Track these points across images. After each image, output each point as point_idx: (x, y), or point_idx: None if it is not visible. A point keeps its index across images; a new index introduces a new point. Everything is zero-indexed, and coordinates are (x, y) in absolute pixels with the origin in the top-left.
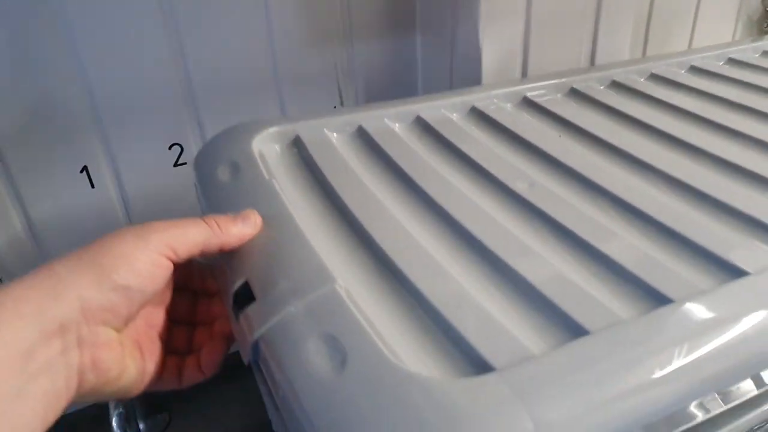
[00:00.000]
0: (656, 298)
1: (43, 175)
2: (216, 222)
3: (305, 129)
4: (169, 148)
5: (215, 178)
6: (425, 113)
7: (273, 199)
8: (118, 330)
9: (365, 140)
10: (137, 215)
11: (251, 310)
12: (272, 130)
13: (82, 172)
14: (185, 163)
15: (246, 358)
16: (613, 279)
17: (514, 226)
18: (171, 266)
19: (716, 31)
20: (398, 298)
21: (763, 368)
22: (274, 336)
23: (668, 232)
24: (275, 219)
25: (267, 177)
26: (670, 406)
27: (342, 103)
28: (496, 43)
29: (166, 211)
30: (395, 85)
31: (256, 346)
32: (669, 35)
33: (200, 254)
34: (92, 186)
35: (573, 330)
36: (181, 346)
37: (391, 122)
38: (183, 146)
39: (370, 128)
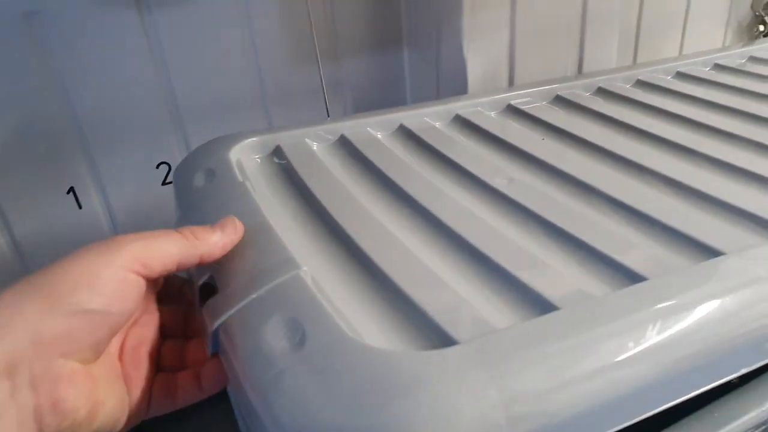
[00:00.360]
0: (629, 277)
1: (29, 197)
2: (192, 232)
3: (286, 138)
4: (157, 167)
5: (190, 185)
6: (408, 121)
7: (245, 199)
8: (84, 361)
9: (347, 147)
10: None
11: (213, 300)
12: (252, 140)
13: (68, 193)
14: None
15: (209, 349)
16: (586, 259)
17: (489, 216)
18: (142, 282)
19: (706, 37)
20: (365, 282)
21: (741, 350)
22: (234, 324)
23: (643, 217)
24: (246, 216)
25: (240, 179)
26: (643, 384)
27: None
28: (481, 56)
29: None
30: (384, 99)
31: (216, 336)
32: (659, 43)
33: (178, 268)
34: (80, 207)
35: (542, 306)
36: (174, 362)
37: (373, 131)
38: (171, 165)
39: (352, 136)
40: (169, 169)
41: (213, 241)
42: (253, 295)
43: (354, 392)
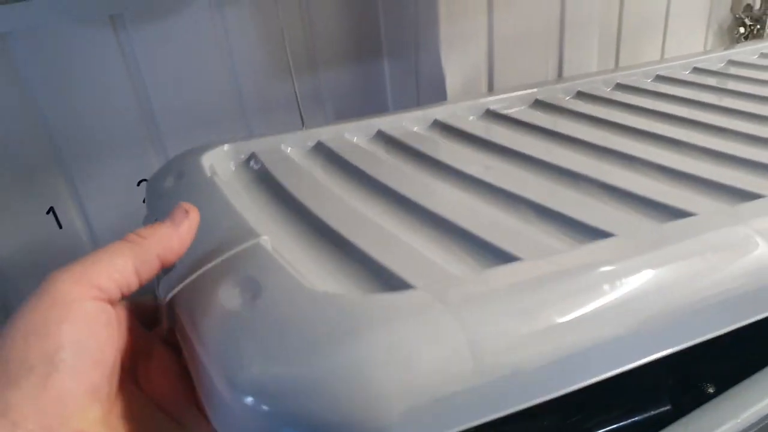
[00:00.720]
0: (595, 234)
1: (8, 218)
2: (137, 234)
3: (260, 145)
4: (138, 184)
5: (159, 190)
6: (386, 127)
7: (211, 191)
8: (95, 412)
9: (324, 152)
10: None
11: (167, 275)
12: (225, 147)
13: (48, 213)
14: None
15: (164, 326)
16: (551, 221)
17: (461, 195)
18: (107, 308)
19: (687, 41)
20: (328, 249)
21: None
22: (189, 293)
23: (612, 188)
24: (212, 204)
25: (209, 175)
26: (611, 336)
27: None
28: (459, 64)
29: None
30: (365, 109)
31: (171, 310)
32: (640, 48)
33: (139, 278)
34: (60, 226)
35: (504, 259)
36: None
37: (351, 136)
38: None
39: (330, 142)
40: None
41: (165, 235)
42: (209, 265)
43: (310, 339)
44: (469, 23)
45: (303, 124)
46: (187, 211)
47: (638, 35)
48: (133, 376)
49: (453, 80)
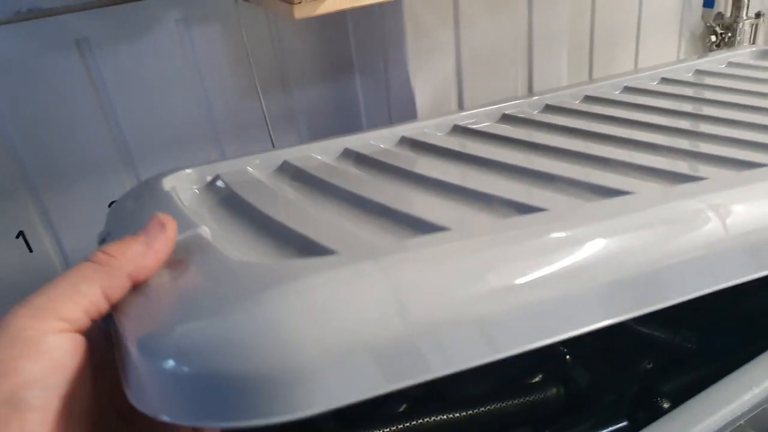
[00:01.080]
0: (528, 210)
1: None
2: (106, 252)
3: (225, 167)
4: (109, 206)
5: (118, 211)
6: (353, 144)
7: (167, 203)
8: None
9: (289, 170)
10: None
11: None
12: (188, 170)
13: (18, 237)
14: None
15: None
16: (485, 204)
17: (415, 193)
18: (77, 338)
19: (660, 50)
20: (276, 246)
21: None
22: None
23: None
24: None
25: (167, 189)
26: (541, 304)
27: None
28: (427, 81)
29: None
30: (339, 127)
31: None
32: (613, 59)
33: (109, 301)
34: (30, 250)
35: (431, 230)
36: None
37: (318, 154)
38: None
39: (296, 161)
40: None
41: (137, 253)
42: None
43: (224, 298)
44: (436, 40)
45: (273, 145)
46: (163, 224)
47: (611, 46)
48: (119, 409)
49: (422, 96)
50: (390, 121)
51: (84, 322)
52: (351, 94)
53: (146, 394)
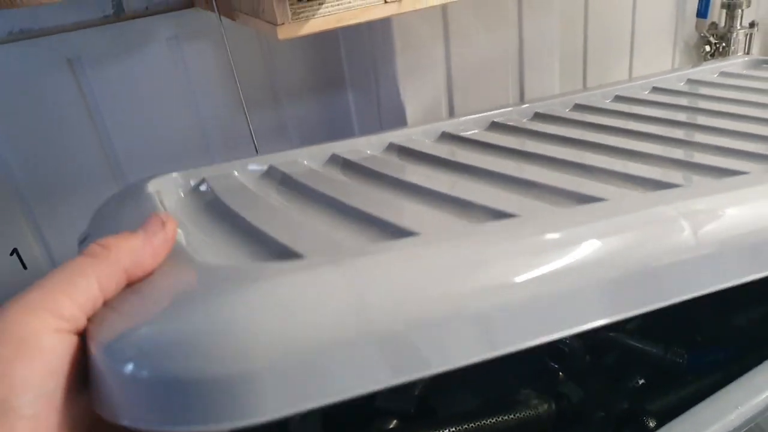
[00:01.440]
0: (501, 216)
1: None
2: (102, 245)
3: (210, 172)
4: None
5: (100, 215)
6: (340, 150)
7: (149, 208)
8: None
9: (276, 176)
10: None
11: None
12: (174, 174)
13: (12, 254)
14: None
15: None
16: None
17: (406, 203)
18: (73, 339)
19: (655, 60)
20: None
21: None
22: None
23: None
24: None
25: (150, 192)
26: (505, 310)
27: None
28: (418, 95)
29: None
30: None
31: None
32: (607, 69)
33: (105, 297)
34: (24, 267)
35: (402, 234)
36: None
37: (304, 160)
38: None
39: (282, 166)
40: None
41: (136, 248)
42: None
43: (182, 299)
44: (426, 54)
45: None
46: (163, 222)
47: (605, 57)
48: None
49: (413, 110)
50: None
51: (80, 320)
52: (343, 108)
53: (106, 397)
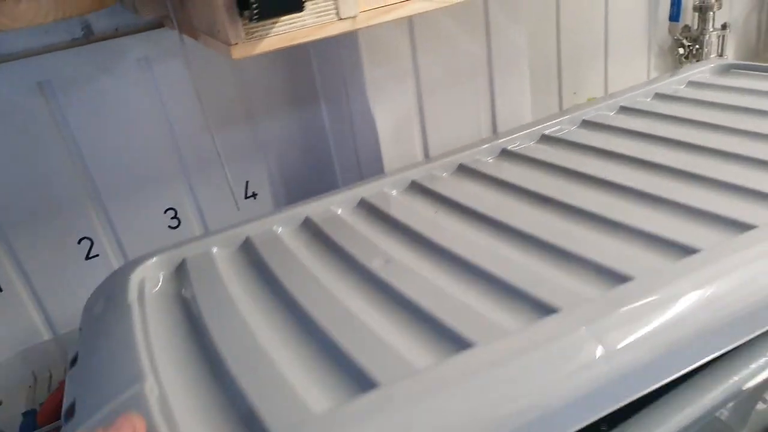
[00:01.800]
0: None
1: None
2: None
3: (191, 250)
4: (78, 242)
5: (90, 316)
6: (312, 212)
7: (125, 322)
8: None
9: (249, 250)
10: (53, 311)
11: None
12: (155, 259)
13: None
14: (97, 255)
15: None
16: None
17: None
18: None
19: (631, 65)
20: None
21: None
22: None
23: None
24: (118, 336)
25: (128, 302)
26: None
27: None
28: (388, 109)
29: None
30: (307, 155)
31: None
32: (583, 78)
33: None
34: (0, 290)
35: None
36: None
37: (277, 227)
38: (92, 239)
39: (256, 237)
40: (92, 243)
41: None
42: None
43: None
44: (394, 68)
45: (229, 182)
46: (133, 426)
47: (579, 63)
48: None
49: (384, 124)
50: (354, 147)
51: None
52: (318, 122)
53: None
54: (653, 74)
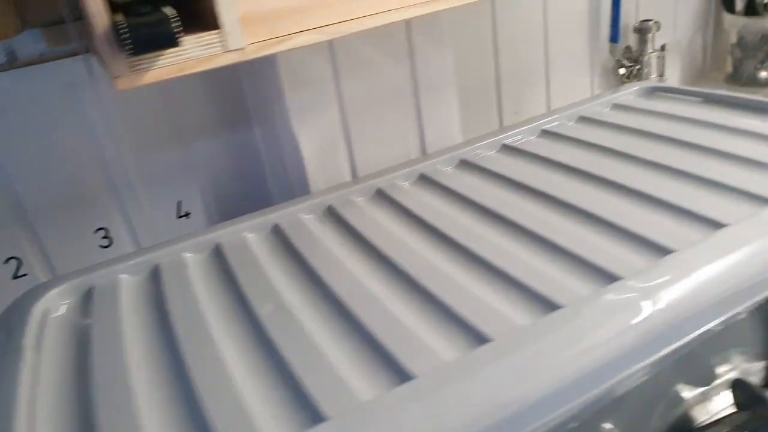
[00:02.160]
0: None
1: None
2: None
3: (96, 279)
4: (5, 261)
5: None
6: (222, 239)
7: (12, 371)
8: None
9: (156, 280)
10: None
11: None
12: (55, 290)
13: None
14: (26, 275)
15: None
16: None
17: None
18: None
19: (574, 85)
20: None
21: None
22: None
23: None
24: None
25: (21, 344)
26: None
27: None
28: (312, 132)
29: None
30: (241, 177)
31: None
32: (524, 98)
33: None
34: None
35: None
36: None
37: (187, 252)
38: (20, 259)
39: (165, 266)
40: (19, 263)
41: None
42: None
43: None
44: (317, 92)
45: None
46: None
47: (519, 85)
48: None
49: (309, 148)
50: (284, 169)
51: None
52: (251, 143)
53: None
54: (597, 93)
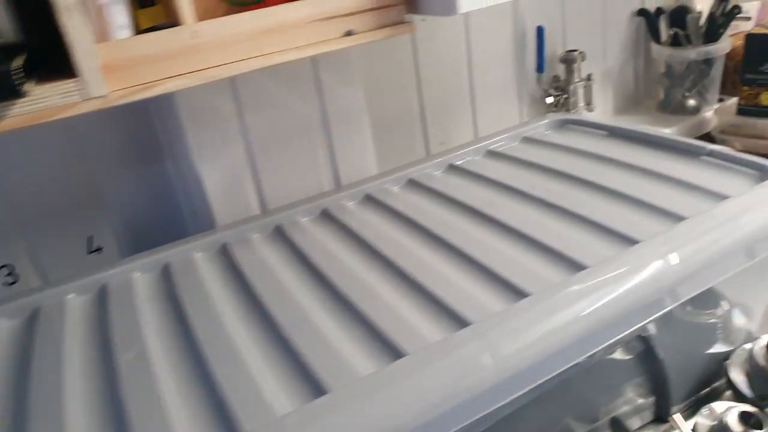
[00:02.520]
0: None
1: None
2: None
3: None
4: None
5: None
6: (110, 280)
7: None
8: None
9: (34, 325)
10: None
11: None
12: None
13: None
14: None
15: None
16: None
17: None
18: None
19: (502, 114)
20: None
21: None
22: None
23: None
24: None
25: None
26: None
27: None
28: (217, 171)
29: None
30: (155, 212)
31: None
32: (452, 132)
33: None
34: None
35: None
36: None
37: (70, 294)
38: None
39: (46, 309)
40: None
41: None
42: None
43: None
44: (220, 128)
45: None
46: None
47: (445, 117)
48: None
49: (211, 183)
50: (193, 204)
51: None
52: (164, 175)
53: None
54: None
